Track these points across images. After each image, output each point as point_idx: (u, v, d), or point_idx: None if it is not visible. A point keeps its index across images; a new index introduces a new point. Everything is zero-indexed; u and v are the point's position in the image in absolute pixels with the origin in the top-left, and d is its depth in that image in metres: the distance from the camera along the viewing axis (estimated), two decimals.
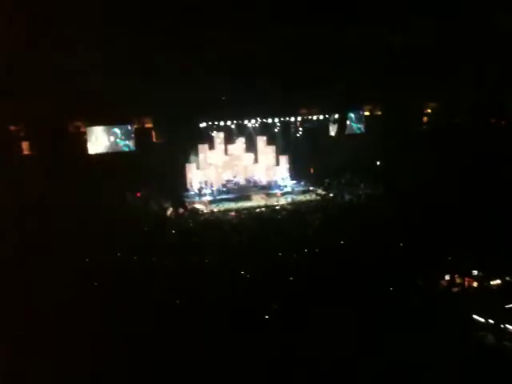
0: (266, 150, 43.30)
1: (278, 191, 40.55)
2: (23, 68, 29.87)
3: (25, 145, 36.64)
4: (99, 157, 38.94)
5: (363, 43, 35.61)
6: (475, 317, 15.87)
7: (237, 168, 42.87)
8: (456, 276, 19.10)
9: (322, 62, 36.96)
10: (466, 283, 18.93)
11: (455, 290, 18.77)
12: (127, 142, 40.11)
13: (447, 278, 19.03)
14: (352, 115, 45.74)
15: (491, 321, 15.51)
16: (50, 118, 35.06)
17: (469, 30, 32.68)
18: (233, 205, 37.28)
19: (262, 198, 38.82)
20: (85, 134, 38.91)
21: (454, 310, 16.55)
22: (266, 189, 41.24)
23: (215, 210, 35.84)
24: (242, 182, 42.35)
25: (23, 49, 28.70)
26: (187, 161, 40.93)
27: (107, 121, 39.54)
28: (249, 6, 30.35)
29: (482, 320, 15.70)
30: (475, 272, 19.31)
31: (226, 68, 35.48)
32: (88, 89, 32.35)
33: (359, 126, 46.04)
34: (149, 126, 40.98)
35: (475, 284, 18.74)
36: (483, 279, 18.81)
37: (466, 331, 15.15)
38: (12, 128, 36.02)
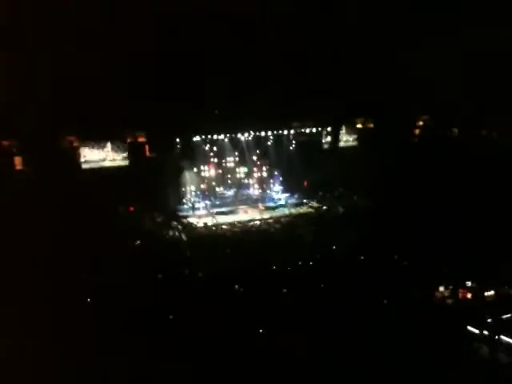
0: (259, 163, 43.40)
1: (271, 204, 40.55)
2: (18, 82, 29.91)
3: (17, 160, 36.41)
4: (92, 171, 38.82)
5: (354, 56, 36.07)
6: (470, 328, 15.87)
7: (230, 181, 42.94)
8: (450, 287, 19.14)
9: (315, 74, 37.30)
10: (461, 295, 18.95)
11: (449, 301, 18.79)
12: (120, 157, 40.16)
13: (441, 289, 19.05)
14: (344, 128, 46.06)
15: (486, 332, 15.51)
16: (42, 133, 34.96)
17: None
18: (226, 218, 37.15)
19: (256, 211, 38.74)
20: (77, 148, 38.77)
21: (449, 322, 16.55)
22: (260, 202, 41.21)
23: (209, 223, 35.69)
24: (236, 195, 42.36)
25: (20, 63, 28.80)
26: (181, 175, 40.85)
27: (100, 136, 39.41)
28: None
29: (477, 331, 15.70)
30: (469, 283, 19.35)
31: (220, 82, 35.71)
32: (82, 104, 32.40)
33: (351, 138, 46.28)
34: (142, 140, 40.93)
35: (469, 295, 18.74)
36: (477, 291, 18.83)
37: (460, 342, 15.14)
38: (4, 143, 35.84)
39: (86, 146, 39.00)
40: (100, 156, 39.42)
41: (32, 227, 27.41)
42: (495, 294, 18.59)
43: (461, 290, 19.01)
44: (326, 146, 45.30)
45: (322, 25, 34.13)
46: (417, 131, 46.15)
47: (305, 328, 15.72)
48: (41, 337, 15.09)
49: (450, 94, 36.32)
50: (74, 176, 36.80)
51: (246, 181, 43.51)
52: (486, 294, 18.54)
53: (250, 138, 42.67)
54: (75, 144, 38.81)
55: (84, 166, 38.85)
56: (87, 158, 38.88)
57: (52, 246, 25.49)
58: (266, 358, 14.26)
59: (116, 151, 40.09)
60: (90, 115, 34.12)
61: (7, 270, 20.30)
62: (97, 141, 39.39)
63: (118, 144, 40.12)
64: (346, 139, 46.53)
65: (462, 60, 35.10)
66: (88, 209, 31.95)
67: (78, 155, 38.78)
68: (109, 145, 39.81)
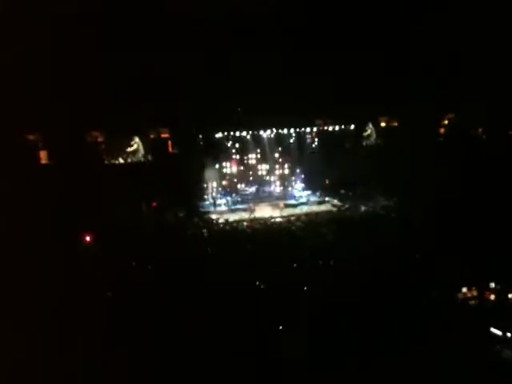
0: (280, 160, 43.42)
1: (292, 201, 40.52)
2: (42, 78, 30.39)
3: (42, 154, 37.02)
4: (116, 166, 39.33)
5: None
6: (492, 330, 15.66)
7: (251, 178, 43.02)
8: (473, 289, 18.90)
9: (339, 72, 37.11)
10: (484, 296, 18.70)
11: (472, 302, 18.55)
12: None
13: (464, 290, 18.82)
14: (371, 126, 45.84)
15: (509, 334, 15.30)
16: (68, 128, 35.47)
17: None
18: (247, 215, 37.23)
19: (277, 209, 38.75)
20: (102, 143, 39.30)
21: (471, 323, 16.35)
22: (281, 199, 41.24)
23: (230, 219, 35.80)
24: (257, 192, 42.46)
25: (44, 59, 29.26)
26: (203, 171, 41.07)
27: (124, 131, 39.88)
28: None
29: (500, 333, 15.48)
30: (492, 285, 19.08)
31: (243, 79, 35.79)
32: (107, 99, 32.78)
33: (375, 136, 45.99)
34: (165, 136, 41.26)
35: (492, 297, 18.48)
36: (500, 292, 18.56)
37: (483, 344, 14.95)
38: (30, 137, 36.44)
39: (110, 141, 39.59)
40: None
41: (56, 221, 27.84)
42: None
43: (484, 292, 18.77)
44: (348, 145, 45.09)
45: (345, 21, 33.92)
46: (442, 130, 45.60)
47: (318, 328, 15.72)
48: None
49: (476, 91, 35.83)
50: (97, 171, 37.27)
51: (267, 178, 43.54)
52: (510, 295, 18.26)
53: (272, 136, 42.71)
54: (100, 139, 39.36)
55: (108, 161, 39.47)
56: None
57: (74, 241, 25.86)
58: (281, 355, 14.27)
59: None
60: (115, 111, 34.45)
61: (30, 264, 20.60)
62: (121, 136, 39.92)
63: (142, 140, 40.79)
64: (370, 138, 46.26)
65: (488, 57, 34.51)
66: (111, 204, 32.33)
67: (102, 150, 39.34)
68: (137, 140, 40.57)
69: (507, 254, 20.84)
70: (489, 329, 15.66)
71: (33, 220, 26.29)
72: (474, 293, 18.75)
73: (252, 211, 37.26)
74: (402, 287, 19.08)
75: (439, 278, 19.87)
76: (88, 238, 28.33)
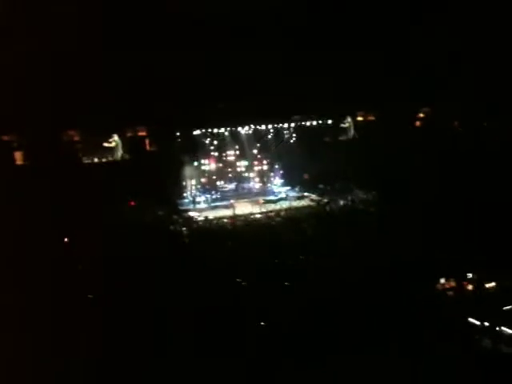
0: (259, 156, 43.45)
1: (272, 197, 40.60)
2: (21, 78, 29.88)
3: (17, 155, 36.41)
4: (93, 165, 38.90)
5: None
6: (471, 320, 15.92)
7: (231, 175, 42.98)
8: (451, 279, 19.17)
9: (316, 66, 37.24)
10: (462, 286, 18.98)
11: (450, 293, 18.83)
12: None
13: (442, 281, 19.09)
14: (349, 121, 46.16)
15: (487, 324, 15.57)
16: (43, 128, 34.95)
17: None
18: (227, 212, 37.18)
19: (257, 205, 38.79)
20: (78, 142, 38.82)
21: (450, 314, 16.60)
22: (260, 195, 41.29)
23: (210, 216, 35.71)
24: (236, 188, 42.47)
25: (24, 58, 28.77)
26: (181, 169, 40.86)
27: (101, 130, 39.44)
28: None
29: (478, 323, 15.74)
30: (470, 275, 19.39)
31: (220, 75, 35.70)
32: (83, 98, 32.39)
33: (352, 131, 46.31)
34: (142, 134, 40.93)
35: (470, 287, 18.78)
36: (478, 282, 18.87)
37: (461, 334, 15.19)
38: (4, 138, 35.83)
39: (86, 140, 39.13)
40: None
41: (32, 223, 27.45)
42: (496, 285, 18.63)
43: (462, 282, 19.06)
44: (326, 139, 45.30)
45: (328, 17, 34.03)
46: (417, 123, 46.09)
47: (303, 324, 15.80)
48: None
49: (451, 85, 36.29)
50: (74, 171, 36.81)
51: (246, 174, 43.53)
52: (488, 285, 18.58)
53: (250, 132, 42.69)
54: (76, 138, 38.86)
55: (85, 161, 39.02)
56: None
57: (52, 242, 25.53)
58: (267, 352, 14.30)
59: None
60: (91, 109, 34.05)
61: (7, 267, 20.29)
62: (97, 135, 39.49)
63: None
64: (347, 132, 46.56)
65: (463, 51, 34.99)
66: (89, 203, 31.96)
67: (79, 149, 38.87)
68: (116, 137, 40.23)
69: (484, 243, 21.21)
70: (467, 319, 15.91)
71: (9, 222, 25.84)
72: (452, 283, 19.03)
73: (233, 208, 37.26)
74: (381, 280, 19.26)
75: (417, 269, 20.09)
76: (66, 239, 28.01)
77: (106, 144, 40.09)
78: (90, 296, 19.50)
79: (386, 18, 34.15)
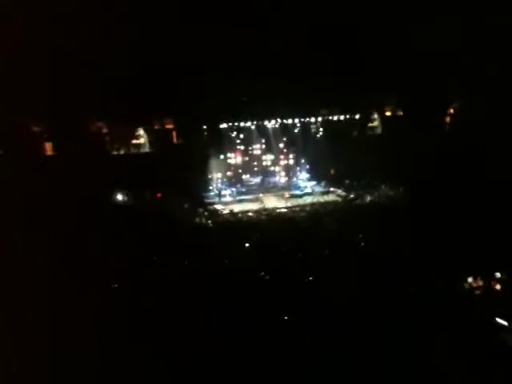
0: (285, 150, 43.38)
1: (297, 192, 40.48)
2: (47, 70, 30.36)
3: (47, 145, 37.06)
4: (121, 157, 39.37)
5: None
6: (498, 319, 15.63)
7: (256, 169, 43.00)
8: (479, 278, 18.84)
9: (342, 62, 36.87)
10: (489, 285, 18.64)
11: (478, 292, 18.51)
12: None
13: (470, 280, 18.77)
14: (376, 117, 45.68)
15: None
16: (72, 119, 35.48)
17: None
18: (252, 205, 37.24)
19: (282, 199, 38.74)
20: (106, 134, 39.30)
21: (477, 313, 16.33)
22: (286, 189, 41.22)
23: (235, 210, 35.81)
24: (262, 182, 42.47)
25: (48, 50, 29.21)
26: (207, 162, 41.07)
27: (129, 122, 39.86)
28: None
29: (505, 323, 15.46)
30: (498, 274, 19.01)
31: (247, 69, 35.63)
32: (110, 90, 32.72)
33: (380, 126, 45.81)
34: (169, 127, 41.22)
35: (498, 287, 18.43)
36: (506, 282, 18.50)
37: (488, 333, 14.93)
38: (35, 129, 36.47)
39: (114, 132, 39.59)
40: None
41: (61, 212, 27.89)
42: None
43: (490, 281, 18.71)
44: (354, 134, 44.92)
45: (347, 11, 33.63)
46: (447, 119, 45.29)
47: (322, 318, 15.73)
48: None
49: (482, 79, 35.55)
50: (102, 162, 37.25)
51: (272, 168, 43.50)
52: None
53: (277, 126, 42.60)
54: (104, 130, 39.36)
55: (113, 153, 39.51)
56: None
57: (81, 232, 25.87)
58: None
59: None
60: (119, 101, 34.38)
61: (35, 257, 20.65)
62: (125, 127, 39.91)
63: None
64: (375, 127, 46.07)
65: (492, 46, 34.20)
66: (116, 195, 32.39)
67: (107, 141, 39.36)
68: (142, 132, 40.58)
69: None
70: (494, 319, 15.64)
71: (37, 212, 26.33)
72: (480, 282, 18.69)
73: (262, 202, 37.31)
74: (407, 278, 19.05)
75: (445, 267, 19.80)
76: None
77: (134, 141, 40.49)
78: (113, 285, 19.75)
79: (413, 13, 33.54)
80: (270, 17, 32.95)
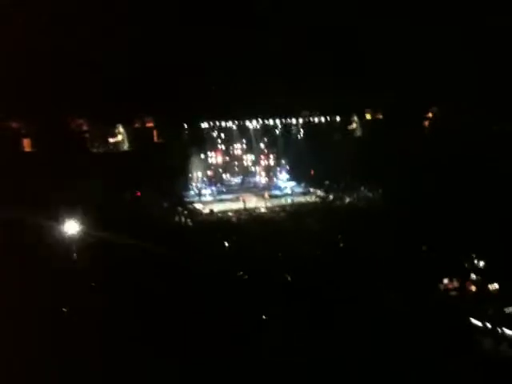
0: (266, 151, 43.52)
1: (277, 192, 40.60)
2: (26, 66, 29.96)
3: (26, 142, 36.55)
4: (100, 155, 39.02)
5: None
6: (473, 320, 15.90)
7: (237, 169, 43.05)
8: (454, 279, 19.13)
9: (326, 64, 37.08)
10: (465, 287, 18.93)
11: (453, 293, 18.78)
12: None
13: (445, 281, 19.05)
14: (356, 119, 46.09)
15: (488, 325, 15.54)
16: (51, 116, 35.06)
17: None
18: (232, 205, 37.22)
19: (262, 199, 38.79)
20: (86, 132, 38.92)
21: (452, 314, 16.57)
22: (266, 189, 41.29)
23: (215, 210, 35.74)
24: (242, 182, 42.53)
25: (26, 48, 28.84)
26: (188, 161, 40.95)
27: (109, 120, 39.53)
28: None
29: (480, 324, 15.73)
30: (473, 276, 19.34)
31: (230, 67, 35.61)
32: (92, 88, 32.43)
33: (360, 129, 46.25)
34: (150, 125, 41.00)
35: (473, 288, 18.73)
36: (481, 283, 18.81)
37: (463, 335, 15.17)
38: (14, 125, 35.95)
39: (94, 129, 39.23)
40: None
41: (39, 210, 27.51)
42: (499, 286, 18.56)
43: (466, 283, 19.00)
44: (334, 136, 45.24)
45: (336, 13, 33.84)
46: (426, 123, 45.89)
47: (305, 319, 15.83)
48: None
49: (460, 83, 36.06)
50: (81, 159, 36.86)
51: (252, 168, 43.59)
52: (491, 286, 18.52)
53: (258, 126, 42.71)
54: (84, 127, 38.97)
55: (92, 150, 39.15)
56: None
57: (58, 230, 25.56)
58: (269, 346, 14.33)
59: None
60: (100, 99, 34.09)
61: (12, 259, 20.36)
62: (105, 125, 39.58)
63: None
64: (355, 130, 46.49)
65: (472, 49, 34.74)
66: (94, 193, 32.02)
67: (86, 139, 38.99)
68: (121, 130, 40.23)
69: (488, 244, 21.13)
70: (469, 319, 15.90)
71: (14, 209, 25.92)
72: (455, 284, 18.99)
73: (243, 201, 37.29)
74: (382, 279, 19.23)
75: (421, 268, 20.05)
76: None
77: (111, 139, 40.11)
78: (92, 284, 19.59)
79: (395, 15, 33.90)
80: (253, 16, 33.02)
